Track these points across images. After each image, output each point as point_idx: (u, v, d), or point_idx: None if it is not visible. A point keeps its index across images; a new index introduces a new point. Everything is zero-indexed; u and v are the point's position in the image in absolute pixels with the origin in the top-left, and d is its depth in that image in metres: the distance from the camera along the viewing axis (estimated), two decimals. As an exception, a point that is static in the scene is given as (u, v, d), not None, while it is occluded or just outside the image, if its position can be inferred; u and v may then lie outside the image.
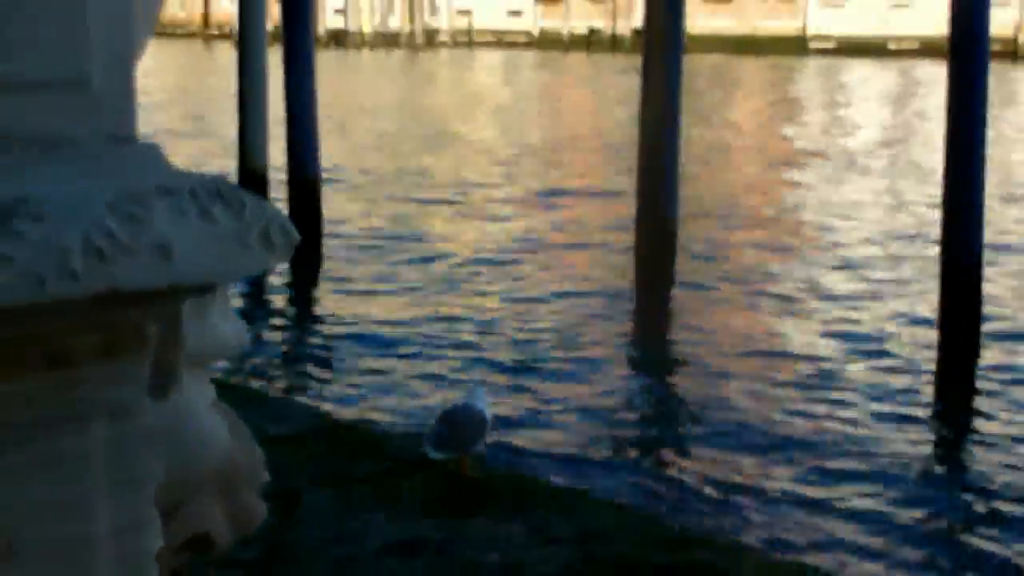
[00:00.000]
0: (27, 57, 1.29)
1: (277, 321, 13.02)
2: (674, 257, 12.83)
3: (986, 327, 11.03)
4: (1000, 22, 48.76)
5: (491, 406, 7.79)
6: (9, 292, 1.18)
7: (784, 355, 11.63)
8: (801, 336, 12.23)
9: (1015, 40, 58.84)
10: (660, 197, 12.52)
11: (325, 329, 12.83)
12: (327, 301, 13.88)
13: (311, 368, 11.44)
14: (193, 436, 1.58)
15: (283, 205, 15.31)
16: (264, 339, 11.86)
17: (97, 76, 1.32)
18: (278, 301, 13.71)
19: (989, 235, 11.42)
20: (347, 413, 9.58)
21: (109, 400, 1.34)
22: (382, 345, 11.86)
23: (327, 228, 15.80)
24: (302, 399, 10.20)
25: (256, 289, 13.17)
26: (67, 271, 1.21)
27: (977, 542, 7.74)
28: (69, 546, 1.35)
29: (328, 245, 15.58)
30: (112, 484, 1.37)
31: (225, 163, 19.44)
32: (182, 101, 35.71)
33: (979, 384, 10.62)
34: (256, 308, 12.97)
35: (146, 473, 1.43)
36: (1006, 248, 15.38)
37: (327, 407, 9.85)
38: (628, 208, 14.03)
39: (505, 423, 9.55)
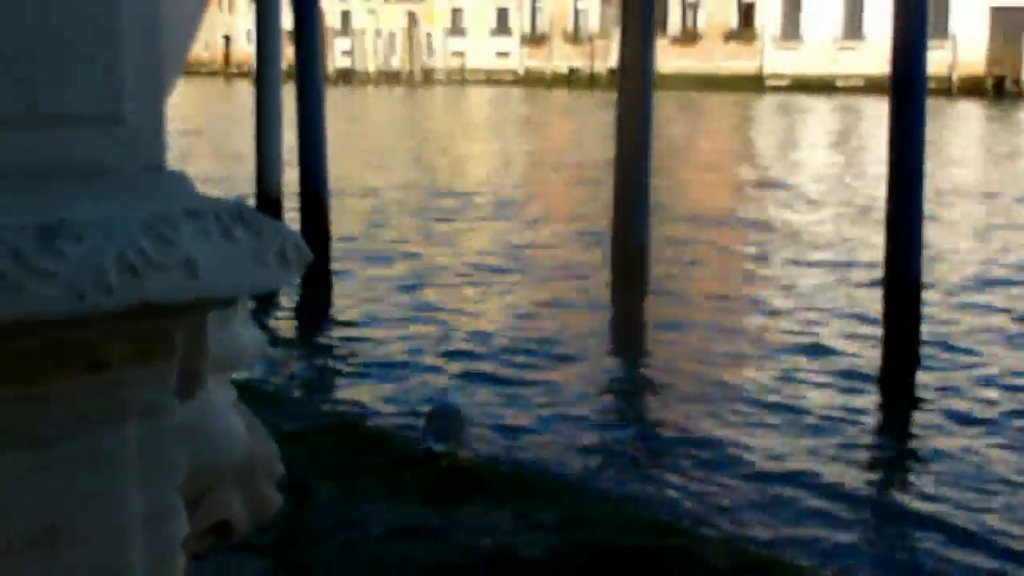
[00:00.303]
0: (70, 95, 1.29)
1: (290, 327, 13.03)
2: (646, 270, 12.83)
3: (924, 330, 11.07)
4: (936, 62, 48.83)
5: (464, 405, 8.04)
6: (53, 304, 1.19)
7: (744, 357, 11.66)
8: (761, 341, 12.25)
9: (949, 78, 58.99)
10: (633, 216, 12.54)
11: (333, 334, 12.84)
12: (335, 309, 13.88)
13: (320, 370, 11.43)
14: (215, 433, 1.59)
15: (295, 221, 15.36)
16: (278, 344, 11.85)
17: (132, 112, 1.33)
18: (291, 309, 13.70)
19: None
20: (352, 411, 9.58)
21: (142, 401, 1.35)
22: (384, 348, 11.87)
23: (334, 241, 15.80)
24: (312, 399, 10.20)
25: (272, 297, 13.16)
26: (104, 285, 1.22)
27: (913, 522, 7.77)
28: (106, 532, 1.35)
29: (335, 257, 15.58)
30: (144, 476, 1.38)
31: (244, 184, 19.44)
32: (206, 130, 35.70)
33: (918, 382, 10.64)
34: (271, 315, 12.96)
35: (174, 466, 1.43)
36: (941, 261, 15.45)
37: (334, 406, 9.85)
38: (604, 223, 14.06)
39: (496, 420, 9.57)
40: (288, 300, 13.81)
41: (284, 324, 13.10)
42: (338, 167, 18.56)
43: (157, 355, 1.36)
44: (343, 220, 18.02)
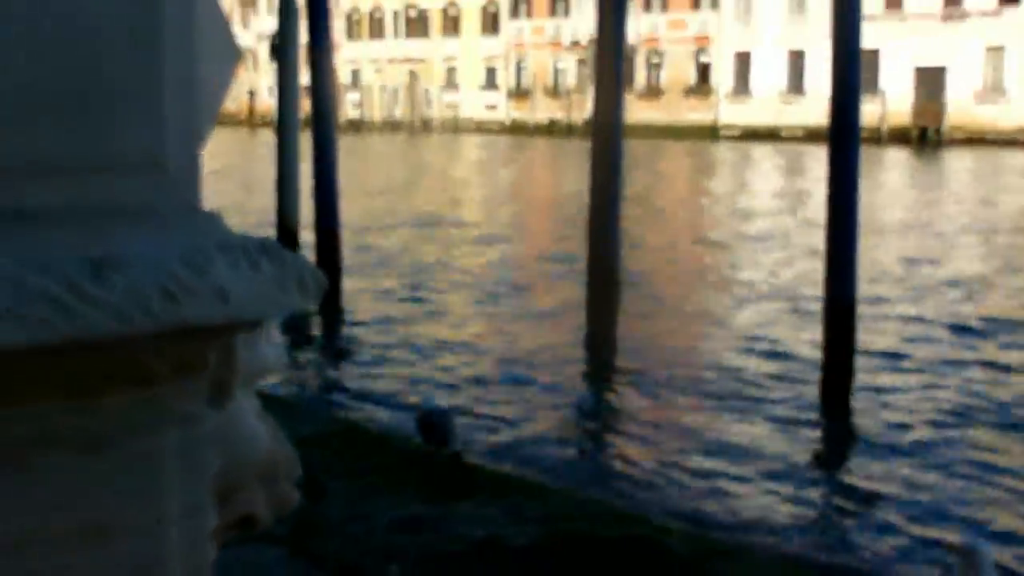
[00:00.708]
0: (119, 145, 1.30)
1: (307, 344, 13.02)
2: (619, 292, 12.83)
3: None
4: (868, 114, 49.01)
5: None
6: (103, 326, 1.20)
7: (703, 370, 11.67)
8: (717, 357, 12.27)
9: (879, 129, 59.23)
10: (607, 246, 12.55)
11: (343, 349, 12.84)
12: (344, 328, 13.88)
13: (332, 382, 11.43)
14: (242, 438, 1.59)
15: (311, 249, 15.38)
16: (296, 359, 11.84)
17: (172, 159, 1.34)
18: (308, 328, 13.69)
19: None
20: (360, 417, 9.57)
21: (180, 411, 1.35)
22: (387, 363, 11.87)
23: (346, 270, 15.81)
24: (325, 407, 10.19)
25: (292, 319, 13.16)
26: (147, 311, 1.22)
27: (841, 505, 7.78)
28: (148, 524, 1.35)
29: (346, 283, 15.58)
30: (181, 476, 1.38)
31: (266, 218, 19.45)
32: (234, 173, 35.70)
33: (854, 395, 10.66)
34: (290, 334, 12.95)
35: (206, 467, 1.43)
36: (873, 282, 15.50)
37: (344, 413, 9.84)
38: (579, 249, 14.08)
39: (484, 424, 9.57)
40: (306, 321, 13.80)
41: (302, 342, 13.08)
42: (349, 203, 18.57)
43: (193, 371, 1.36)
44: (353, 249, 18.03)
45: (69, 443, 1.29)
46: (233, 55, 1.59)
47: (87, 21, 1.28)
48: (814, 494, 8.31)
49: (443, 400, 10.29)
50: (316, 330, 13.73)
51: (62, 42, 1.26)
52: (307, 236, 16.84)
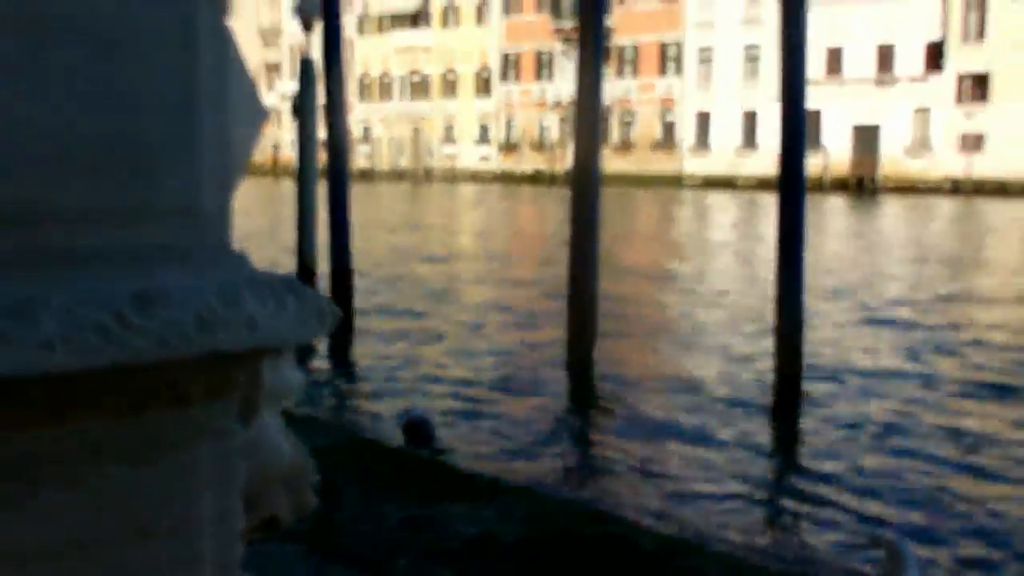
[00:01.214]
0: (160, 193, 1.30)
1: (323, 368, 12.98)
2: (595, 320, 12.83)
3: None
4: (812, 166, 49.30)
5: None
6: (146, 352, 1.19)
7: (671, 387, 11.67)
8: (681, 375, 12.26)
9: (822, 179, 59.56)
10: (585, 283, 12.55)
11: (354, 372, 12.81)
12: (355, 354, 13.85)
13: (345, 400, 11.40)
14: (268, 450, 1.59)
15: (326, 278, 15.39)
16: (314, 381, 11.81)
17: (206, 205, 1.34)
18: (324, 354, 13.66)
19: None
20: (368, 430, 9.54)
21: (213, 427, 1.35)
22: (392, 383, 11.84)
23: (356, 303, 15.78)
24: (339, 421, 10.15)
25: (310, 347, 13.13)
26: (185, 338, 1.22)
27: (795, 508, 7.76)
28: (185, 527, 1.35)
29: (357, 315, 15.57)
30: (213, 484, 1.38)
31: (287, 255, 19.46)
32: (260, 218, 35.71)
33: (800, 409, 10.67)
34: (308, 359, 12.92)
35: (236, 476, 1.43)
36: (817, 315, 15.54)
37: (355, 427, 9.81)
38: (559, 283, 14.11)
39: (478, 435, 9.54)
40: (322, 348, 13.78)
41: (319, 366, 13.04)
42: (362, 240, 18.58)
43: (225, 391, 1.36)
44: (363, 284, 18.03)
45: (116, 455, 1.29)
46: (260, 115, 1.59)
47: (135, 85, 1.28)
48: (769, 494, 8.29)
49: (440, 412, 10.29)
50: (330, 354, 13.69)
51: (113, 104, 1.27)
52: (323, 267, 16.84)
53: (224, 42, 1.41)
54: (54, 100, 1.23)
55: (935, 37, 60.59)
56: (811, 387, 11.27)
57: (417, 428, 8.72)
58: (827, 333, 14.73)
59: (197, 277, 1.28)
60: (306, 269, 17.17)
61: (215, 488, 1.37)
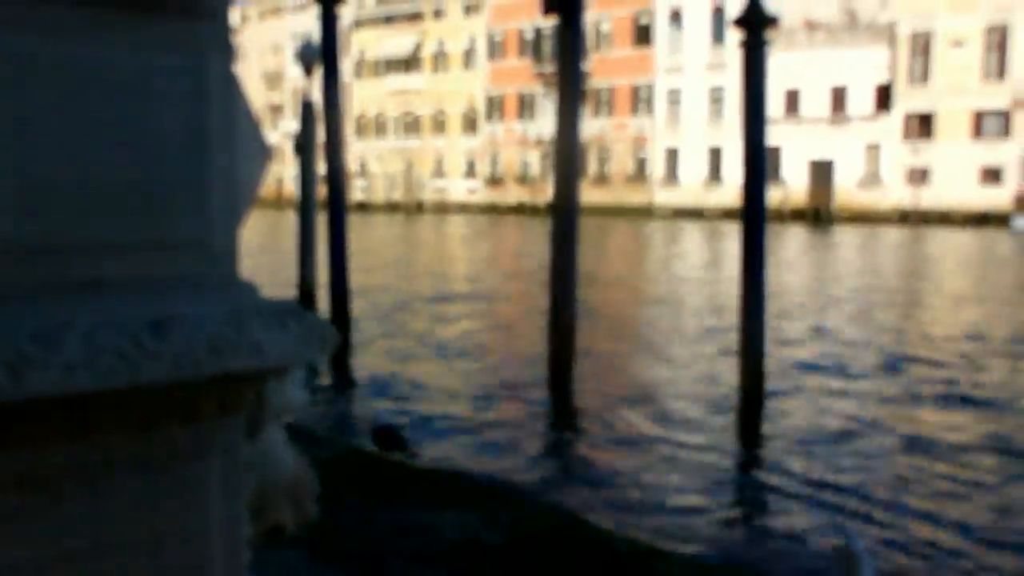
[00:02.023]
0: (174, 228, 1.31)
1: (323, 387, 12.93)
2: (573, 337, 12.82)
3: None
4: (772, 197, 49.54)
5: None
6: (161, 374, 1.20)
7: (644, 402, 11.66)
8: (653, 392, 12.26)
9: (781, 209, 59.78)
10: (564, 305, 12.56)
11: (351, 391, 12.76)
12: (352, 372, 13.80)
13: (344, 416, 11.35)
14: (273, 463, 1.59)
15: (325, 301, 15.33)
16: (316, 398, 11.77)
17: (216, 238, 1.35)
18: (324, 374, 13.59)
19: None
20: (365, 444, 9.50)
21: (222, 441, 1.35)
22: (386, 401, 11.80)
23: (354, 323, 15.74)
24: (338, 436, 10.11)
25: (312, 367, 13.08)
26: (196, 361, 1.23)
27: (759, 513, 7.75)
28: (196, 535, 1.35)
29: (354, 337, 15.52)
30: (222, 495, 1.38)
31: (290, 280, 19.41)
32: (264, 246, 35.61)
33: (762, 425, 10.68)
34: (309, 378, 12.86)
35: (243, 487, 1.43)
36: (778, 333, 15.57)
37: (352, 440, 9.77)
38: (540, 306, 14.12)
39: (463, 447, 9.51)
40: (322, 368, 13.73)
41: (320, 384, 12.99)
42: (356, 269, 18.58)
43: (233, 409, 1.36)
44: (360, 308, 18.00)
45: (131, 468, 1.29)
46: (264, 154, 1.61)
47: (152, 130, 1.30)
48: (735, 501, 8.29)
49: (428, 425, 10.28)
50: (330, 373, 13.65)
51: (132, 147, 1.28)
52: (323, 290, 16.80)
53: (232, 88, 1.42)
54: (79, 144, 1.24)
55: (884, 80, 61.10)
56: (773, 400, 11.29)
57: (387, 435, 8.74)
58: (786, 350, 14.77)
59: (208, 304, 1.29)
60: (307, 292, 17.14)
61: (223, 498, 1.38)
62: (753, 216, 10.67)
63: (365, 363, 14.35)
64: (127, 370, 1.18)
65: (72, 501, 1.26)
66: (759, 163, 10.75)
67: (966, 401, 11.76)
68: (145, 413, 1.27)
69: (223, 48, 1.40)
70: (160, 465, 1.31)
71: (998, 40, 57.06)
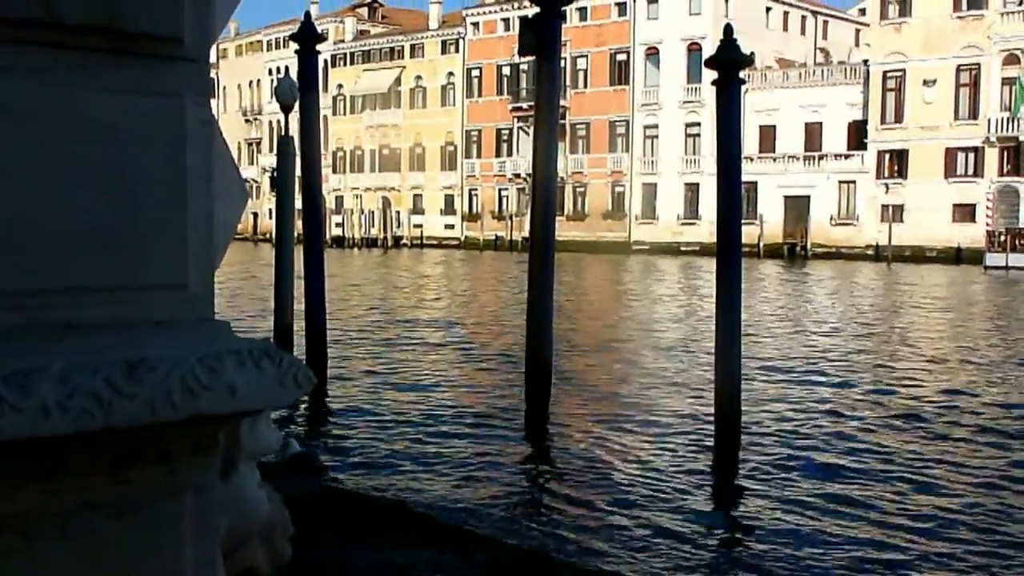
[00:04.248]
0: (150, 270, 1.32)
1: (295, 427, 12.79)
2: (549, 372, 12.81)
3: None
4: (748, 233, 49.94)
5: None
6: (135, 416, 1.20)
7: (620, 435, 11.63)
8: (630, 424, 12.24)
9: (757, 245, 60.22)
10: (541, 339, 12.57)
11: (326, 424, 12.68)
12: (328, 407, 13.70)
13: (318, 451, 11.25)
14: (246, 504, 1.59)
15: (302, 334, 15.23)
16: (289, 436, 11.67)
17: (192, 281, 1.36)
18: (299, 413, 13.46)
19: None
20: (340, 481, 9.44)
21: (195, 482, 1.35)
22: (359, 438, 11.71)
23: (330, 358, 15.66)
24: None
25: (287, 406, 12.93)
26: (170, 403, 1.23)
27: (732, 548, 7.75)
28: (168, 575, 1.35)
29: (330, 369, 15.43)
30: (195, 536, 1.38)
31: (266, 315, 19.31)
32: (240, 281, 35.43)
33: (739, 453, 10.68)
34: (285, 417, 12.71)
35: (216, 528, 1.43)
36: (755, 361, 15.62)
37: (328, 476, 9.70)
38: (518, 339, 14.11)
39: (442, 488, 9.46)
40: (297, 406, 13.63)
41: (295, 423, 12.86)
42: (333, 304, 18.52)
43: (206, 450, 1.37)
44: (335, 336, 17.94)
45: (105, 509, 1.29)
46: (242, 196, 1.62)
47: (130, 174, 1.31)
48: (711, 538, 8.28)
49: (403, 461, 10.23)
50: (306, 409, 13.55)
51: (110, 191, 1.29)
52: (299, 324, 16.70)
53: (210, 130, 1.44)
54: (57, 188, 1.25)
55: (857, 117, 61.81)
56: (749, 428, 11.32)
57: (302, 462, 8.71)
58: (762, 383, 14.82)
59: (183, 345, 1.29)
60: (283, 328, 17.03)
61: (197, 539, 1.37)
62: (728, 251, 10.71)
63: (341, 396, 14.28)
64: (101, 412, 1.18)
65: (45, 542, 1.26)
66: (734, 199, 10.81)
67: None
68: (119, 454, 1.28)
69: (201, 90, 1.42)
70: (133, 506, 1.31)
71: (970, 79, 57.89)
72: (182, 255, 1.35)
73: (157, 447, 1.30)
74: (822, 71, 64.38)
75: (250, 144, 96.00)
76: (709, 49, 59.21)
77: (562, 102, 60.92)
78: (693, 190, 67.13)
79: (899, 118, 59.88)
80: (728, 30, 10.74)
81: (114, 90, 1.31)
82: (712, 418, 11.10)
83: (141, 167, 1.32)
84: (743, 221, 11.41)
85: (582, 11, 71.26)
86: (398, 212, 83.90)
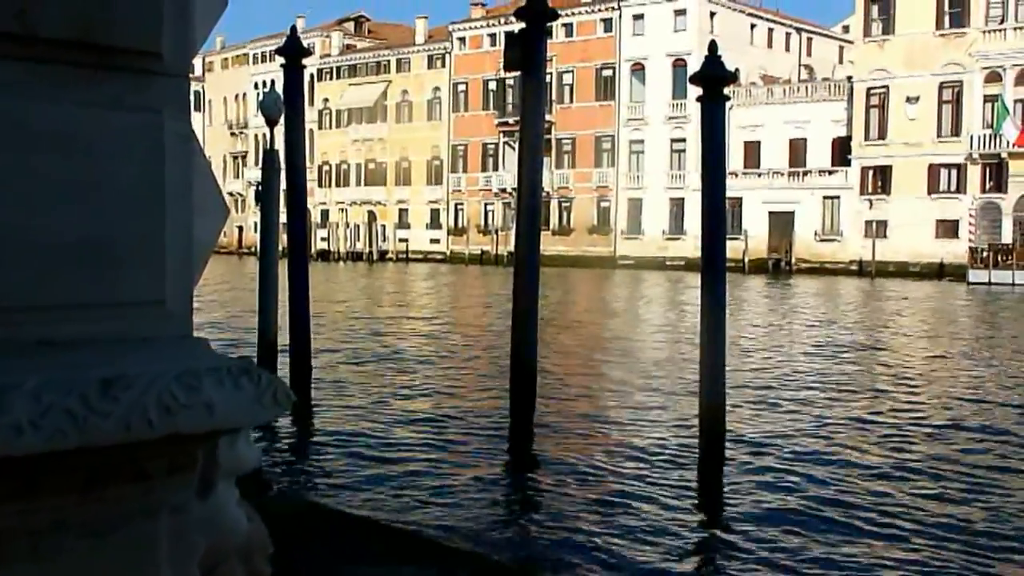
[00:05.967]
0: (128, 287, 1.31)
1: (279, 443, 12.70)
2: (534, 386, 12.77)
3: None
4: (733, 249, 50.10)
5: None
6: (109, 435, 1.19)
7: (605, 451, 11.61)
8: (614, 440, 12.22)
9: (742, 260, 60.37)
10: (526, 353, 12.53)
11: (308, 442, 12.61)
12: (310, 423, 13.62)
13: (299, 472, 11.18)
14: (224, 523, 1.56)
15: (287, 359, 15.14)
16: (269, 455, 11.60)
17: (170, 298, 1.34)
18: (281, 430, 13.38)
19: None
20: (322, 498, 9.39)
21: (172, 501, 1.33)
22: (341, 457, 11.64)
23: (314, 374, 15.59)
24: (292, 491, 9.98)
25: (269, 424, 12.86)
26: (146, 421, 1.22)
27: (717, 565, 7.74)
28: (144, 596, 1.32)
29: (313, 386, 15.35)
30: (172, 555, 1.36)
31: (250, 329, 19.22)
32: (222, 295, 35.28)
33: (724, 467, 10.65)
34: (267, 436, 12.62)
35: (194, 547, 1.41)
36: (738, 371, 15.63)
37: (309, 495, 9.65)
38: (503, 353, 14.05)
39: (424, 503, 9.42)
40: (278, 423, 13.54)
41: (275, 439, 12.77)
42: (318, 317, 18.44)
43: (183, 468, 1.35)
44: (322, 358, 17.87)
45: (79, 528, 1.27)
46: (222, 212, 1.61)
47: (108, 190, 1.30)
48: (696, 554, 8.26)
49: (392, 482, 10.18)
50: (287, 425, 13.48)
51: (87, 206, 1.28)
52: (283, 338, 16.63)
53: (189, 147, 1.42)
54: (31, 203, 1.24)
55: (841, 134, 62.15)
56: (733, 445, 11.30)
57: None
58: (746, 398, 14.82)
59: (161, 363, 1.28)
60: (266, 344, 16.96)
61: (174, 559, 1.36)
62: (713, 266, 10.72)
63: (324, 412, 14.22)
64: (75, 431, 1.17)
65: (18, 563, 1.24)
66: (719, 214, 10.83)
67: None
68: (93, 473, 1.26)
69: (181, 105, 1.41)
70: (109, 525, 1.29)
71: (952, 96, 58.30)
72: (160, 271, 1.33)
73: (133, 466, 1.29)
74: (806, 87, 64.73)
75: (235, 157, 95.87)
76: (694, 65, 59.50)
77: (548, 117, 61.13)
78: (678, 205, 67.33)
79: (883, 134, 60.24)
80: (713, 46, 10.78)
81: (91, 104, 1.29)
82: (697, 432, 11.08)
83: (118, 183, 1.31)
84: (728, 236, 11.42)
85: (568, 27, 71.53)
86: (384, 226, 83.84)
